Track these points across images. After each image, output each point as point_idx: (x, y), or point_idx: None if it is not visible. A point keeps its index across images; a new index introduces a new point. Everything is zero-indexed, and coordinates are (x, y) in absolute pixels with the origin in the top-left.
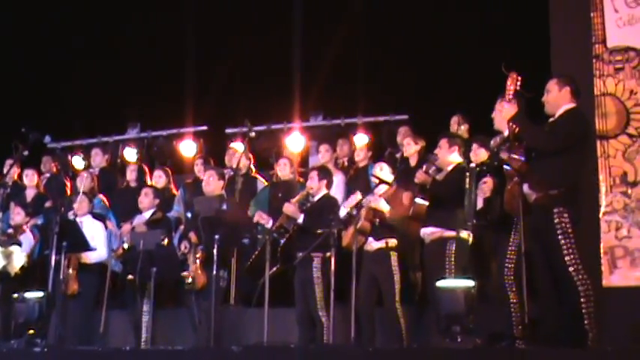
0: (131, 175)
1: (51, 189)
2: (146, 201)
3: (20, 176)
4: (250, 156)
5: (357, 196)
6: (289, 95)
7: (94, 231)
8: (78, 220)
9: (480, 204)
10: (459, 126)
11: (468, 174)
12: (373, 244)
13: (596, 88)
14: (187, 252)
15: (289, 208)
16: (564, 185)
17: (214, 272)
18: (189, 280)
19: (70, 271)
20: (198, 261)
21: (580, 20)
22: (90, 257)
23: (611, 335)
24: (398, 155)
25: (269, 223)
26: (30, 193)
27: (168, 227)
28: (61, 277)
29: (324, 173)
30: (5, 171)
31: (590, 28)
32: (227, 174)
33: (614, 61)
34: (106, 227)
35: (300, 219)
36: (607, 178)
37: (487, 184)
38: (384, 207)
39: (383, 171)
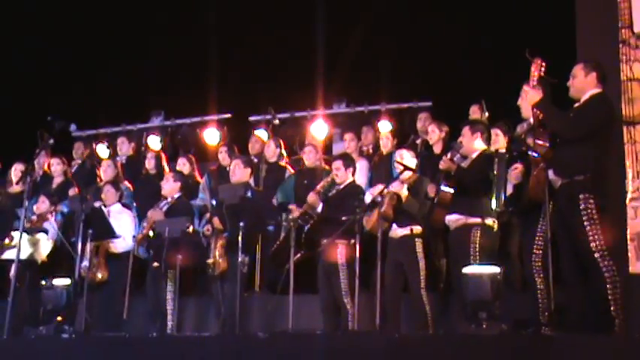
0: (150, 162)
1: (79, 177)
2: (167, 186)
3: (50, 166)
4: (281, 143)
5: (380, 187)
6: (313, 83)
7: (121, 220)
8: (106, 209)
9: (509, 190)
10: (483, 113)
11: (497, 160)
12: (398, 231)
13: (622, 74)
14: (210, 234)
15: (311, 197)
16: (590, 171)
17: (239, 259)
18: (210, 265)
19: (99, 259)
20: (219, 246)
21: (606, 5)
22: (118, 247)
23: (637, 322)
24: (418, 141)
25: (296, 212)
26: (56, 182)
27: (188, 211)
28: (87, 264)
29: (349, 161)
30: (33, 160)
31: (617, 13)
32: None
33: None
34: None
35: (319, 208)
36: (633, 164)
37: (517, 171)
38: (404, 192)
39: (405, 158)
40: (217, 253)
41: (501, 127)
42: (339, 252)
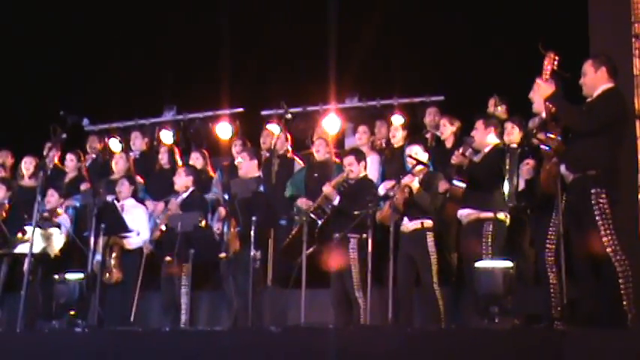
0: (163, 157)
1: (92, 171)
2: (179, 181)
3: (61, 160)
4: (288, 137)
5: (392, 182)
6: (325, 77)
7: (135, 214)
8: (119, 203)
9: (521, 185)
10: (495, 107)
11: (509, 154)
12: (409, 225)
13: (635, 68)
14: (219, 232)
15: (327, 189)
16: (602, 166)
17: (251, 253)
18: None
19: (113, 259)
20: (232, 227)
21: None
22: (132, 243)
23: None
24: (428, 135)
25: (305, 204)
26: (69, 176)
27: (202, 206)
28: (100, 259)
29: (360, 155)
30: (45, 154)
31: (630, 7)
32: (264, 156)
33: None
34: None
35: (336, 201)
36: None
37: (529, 166)
38: (416, 185)
39: (418, 153)
40: (231, 234)
41: (517, 121)
42: (351, 246)
